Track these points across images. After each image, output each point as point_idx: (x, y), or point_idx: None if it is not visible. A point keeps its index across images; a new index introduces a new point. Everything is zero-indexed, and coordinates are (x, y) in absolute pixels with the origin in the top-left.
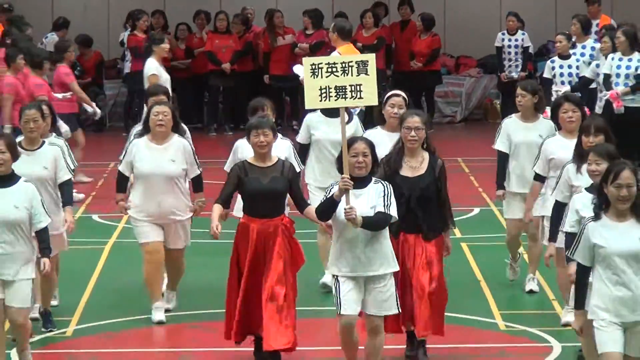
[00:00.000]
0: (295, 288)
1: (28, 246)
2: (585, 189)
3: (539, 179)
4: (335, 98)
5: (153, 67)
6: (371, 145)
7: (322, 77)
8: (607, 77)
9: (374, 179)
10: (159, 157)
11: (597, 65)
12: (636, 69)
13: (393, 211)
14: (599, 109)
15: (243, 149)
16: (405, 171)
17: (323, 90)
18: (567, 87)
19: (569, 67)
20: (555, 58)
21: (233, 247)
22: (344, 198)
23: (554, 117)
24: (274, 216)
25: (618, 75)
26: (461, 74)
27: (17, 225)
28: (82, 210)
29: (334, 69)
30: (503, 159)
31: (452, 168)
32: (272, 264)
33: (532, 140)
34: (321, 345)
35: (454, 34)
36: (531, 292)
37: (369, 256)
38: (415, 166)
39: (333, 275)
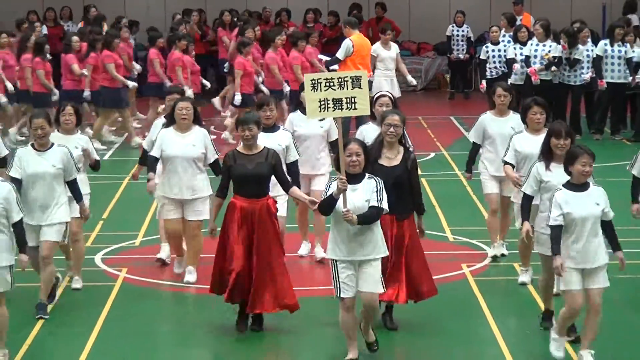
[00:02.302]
0: (282, 255)
1: (6, 236)
2: (563, 185)
3: (509, 165)
4: (333, 109)
5: (372, 49)
6: (364, 146)
7: (321, 90)
8: (527, 58)
9: (367, 175)
10: (182, 143)
11: (515, 48)
12: (548, 52)
13: (384, 204)
14: (519, 80)
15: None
16: (383, 161)
17: (322, 102)
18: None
19: (499, 50)
20: (489, 44)
21: (223, 222)
22: (342, 195)
23: (523, 116)
24: (260, 197)
25: (535, 57)
26: (421, 55)
27: None
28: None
29: (332, 84)
30: (474, 149)
31: (414, 124)
32: (260, 239)
33: (505, 132)
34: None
35: (416, 26)
36: (503, 255)
37: (363, 243)
38: (391, 157)
39: (331, 260)
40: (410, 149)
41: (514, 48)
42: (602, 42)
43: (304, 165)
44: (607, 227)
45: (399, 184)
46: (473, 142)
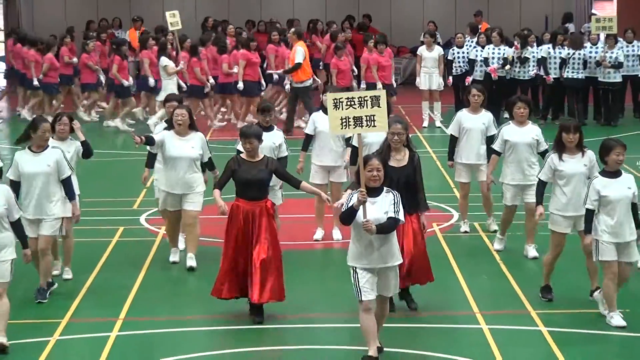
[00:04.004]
0: (280, 253)
1: (5, 233)
2: (600, 173)
3: (497, 153)
4: (354, 126)
5: (418, 50)
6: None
7: (342, 109)
8: (485, 59)
9: (385, 188)
10: (183, 145)
11: (476, 51)
12: (503, 54)
13: (401, 216)
14: (479, 77)
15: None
16: (392, 162)
17: (343, 120)
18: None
19: (463, 52)
20: (455, 47)
21: (227, 223)
22: (362, 207)
23: (509, 111)
24: (260, 199)
25: (493, 58)
26: (400, 56)
27: (1, 218)
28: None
29: (352, 103)
30: (453, 141)
31: (395, 111)
32: (260, 237)
33: (477, 127)
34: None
35: (396, 33)
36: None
37: (382, 252)
38: (399, 159)
39: (352, 268)
40: (414, 150)
41: (475, 51)
42: (545, 46)
43: (324, 158)
44: (633, 208)
45: (409, 183)
46: (451, 135)
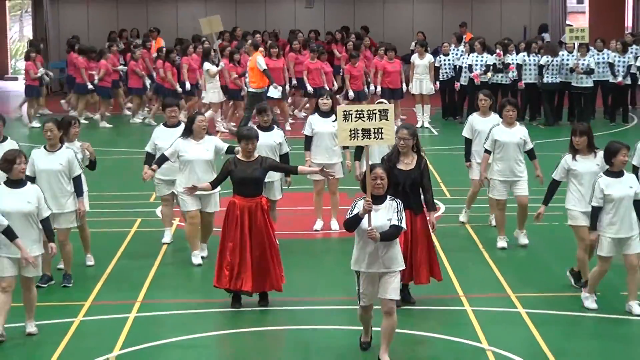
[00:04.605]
0: (276, 245)
1: (36, 230)
2: (604, 173)
3: (487, 152)
4: (362, 138)
5: (412, 58)
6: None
7: (352, 121)
8: (470, 66)
9: (389, 196)
10: (198, 149)
11: (462, 58)
12: (486, 61)
13: (403, 224)
14: (464, 82)
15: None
16: (401, 166)
17: (352, 132)
18: (458, 84)
19: (449, 60)
20: (441, 55)
21: (224, 218)
22: (367, 215)
23: (500, 113)
24: (255, 196)
25: (477, 65)
26: None
27: (30, 215)
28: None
29: (361, 115)
30: (468, 143)
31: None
32: (255, 230)
33: (488, 129)
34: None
35: (389, 42)
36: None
37: (384, 257)
38: (407, 162)
39: (355, 271)
40: (422, 154)
41: (461, 58)
42: (521, 54)
43: (321, 156)
44: (636, 205)
45: (415, 185)
46: (465, 138)
